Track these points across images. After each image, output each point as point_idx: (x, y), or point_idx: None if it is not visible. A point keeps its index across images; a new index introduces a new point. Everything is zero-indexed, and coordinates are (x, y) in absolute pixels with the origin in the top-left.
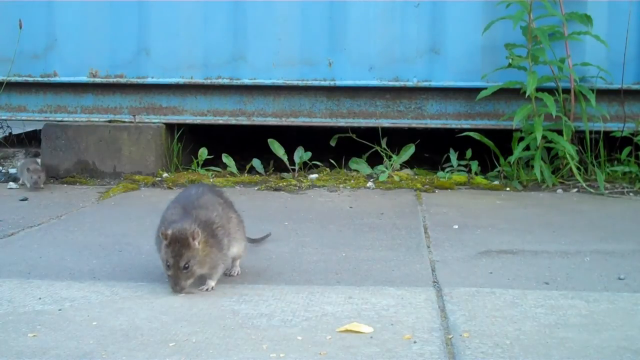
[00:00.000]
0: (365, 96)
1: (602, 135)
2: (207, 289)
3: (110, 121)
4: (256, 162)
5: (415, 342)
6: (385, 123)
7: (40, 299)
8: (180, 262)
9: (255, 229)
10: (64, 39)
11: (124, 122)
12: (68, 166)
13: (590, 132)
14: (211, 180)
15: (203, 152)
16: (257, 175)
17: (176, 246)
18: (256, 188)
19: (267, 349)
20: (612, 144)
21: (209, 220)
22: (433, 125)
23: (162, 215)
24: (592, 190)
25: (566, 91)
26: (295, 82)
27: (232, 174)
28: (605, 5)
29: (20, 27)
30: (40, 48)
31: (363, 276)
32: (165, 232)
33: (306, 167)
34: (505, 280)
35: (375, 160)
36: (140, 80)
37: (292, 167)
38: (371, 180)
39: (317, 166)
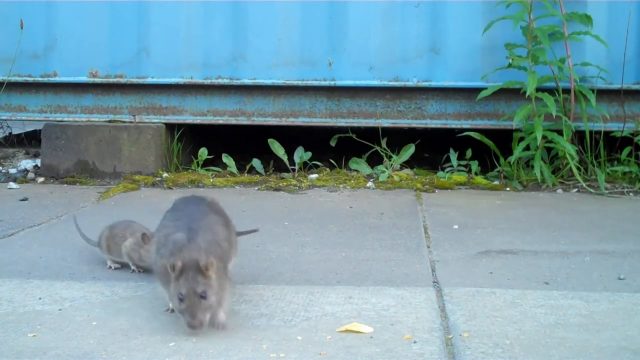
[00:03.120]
0: (365, 96)
1: (602, 135)
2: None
3: (110, 121)
4: (256, 162)
5: (415, 342)
6: (385, 123)
7: (40, 299)
8: (197, 289)
9: None
10: (64, 39)
11: (124, 122)
12: (68, 166)
13: (590, 132)
14: (211, 180)
15: (203, 152)
16: (257, 175)
17: (189, 274)
18: (256, 188)
19: (267, 349)
20: (612, 144)
21: (216, 244)
22: (433, 125)
23: (159, 228)
24: (592, 190)
25: (566, 91)
26: (295, 82)
27: (232, 174)
28: (605, 5)
29: (22, 27)
30: (40, 48)
31: (363, 276)
32: (175, 264)
33: (306, 167)
34: (505, 280)
35: (375, 160)
36: (140, 80)
37: (292, 167)
38: (371, 180)
39: (317, 166)
